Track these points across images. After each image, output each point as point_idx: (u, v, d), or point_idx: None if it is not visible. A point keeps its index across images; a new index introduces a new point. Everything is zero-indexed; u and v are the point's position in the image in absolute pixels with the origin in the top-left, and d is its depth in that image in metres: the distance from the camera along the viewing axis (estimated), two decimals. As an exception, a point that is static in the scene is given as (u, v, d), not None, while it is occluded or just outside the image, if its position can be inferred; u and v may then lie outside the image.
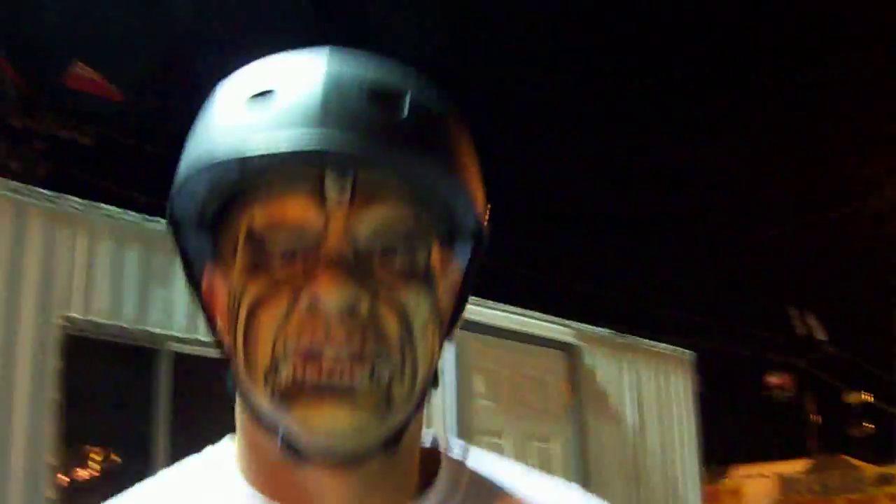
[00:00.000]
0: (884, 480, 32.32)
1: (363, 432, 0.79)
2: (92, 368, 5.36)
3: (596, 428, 7.83)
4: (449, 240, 0.89)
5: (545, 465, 7.30)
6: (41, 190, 5.37)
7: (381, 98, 0.80)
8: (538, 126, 39.54)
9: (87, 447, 6.05)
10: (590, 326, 8.04)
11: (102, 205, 5.52)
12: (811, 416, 36.36)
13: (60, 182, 10.64)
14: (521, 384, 7.27)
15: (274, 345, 0.79)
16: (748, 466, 33.75)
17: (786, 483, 33.13)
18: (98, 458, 6.25)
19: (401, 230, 0.82)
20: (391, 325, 0.80)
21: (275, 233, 0.80)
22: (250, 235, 0.81)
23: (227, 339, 0.87)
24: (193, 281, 0.91)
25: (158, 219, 5.59)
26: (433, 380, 0.86)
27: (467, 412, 6.76)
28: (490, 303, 7.26)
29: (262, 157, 0.77)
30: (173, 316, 5.47)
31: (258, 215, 0.81)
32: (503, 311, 7.36)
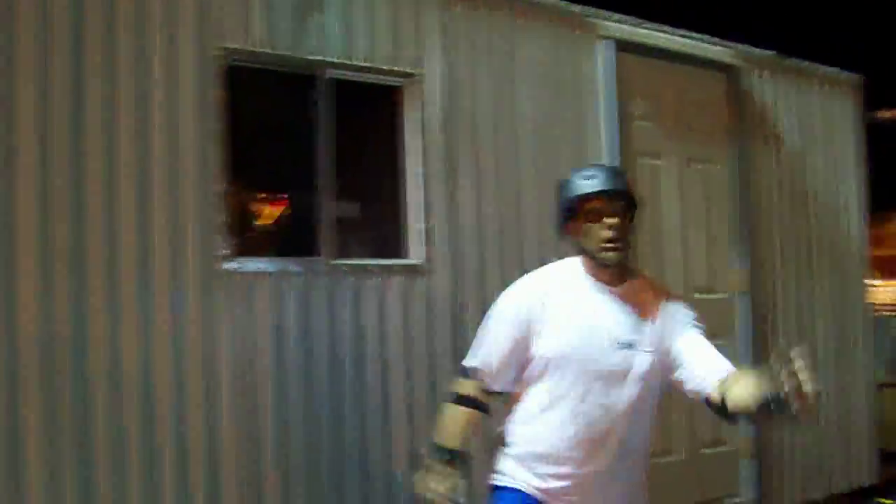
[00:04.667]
0: None
1: (620, 257, 3.32)
2: (253, 98, 5.41)
3: (758, 151, 7.65)
4: (632, 206, 3.40)
5: (707, 187, 7.22)
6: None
7: (618, 174, 3.44)
8: None
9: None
10: (753, 48, 7.72)
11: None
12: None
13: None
14: (681, 106, 7.06)
15: (599, 235, 3.29)
16: (913, 211, 32.95)
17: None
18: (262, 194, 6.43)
19: (625, 206, 3.35)
20: (625, 232, 3.33)
21: (595, 210, 3.30)
22: (588, 211, 3.31)
23: (579, 238, 3.37)
24: (564, 225, 3.43)
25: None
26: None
27: (626, 134, 6.66)
28: (649, 23, 7.01)
29: (590, 193, 3.31)
30: (329, 42, 5.44)
31: (590, 206, 3.31)
32: (663, 31, 7.10)
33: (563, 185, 3.42)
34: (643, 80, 6.83)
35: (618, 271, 3.36)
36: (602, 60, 6.58)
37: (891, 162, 10.27)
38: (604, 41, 6.59)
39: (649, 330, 3.34)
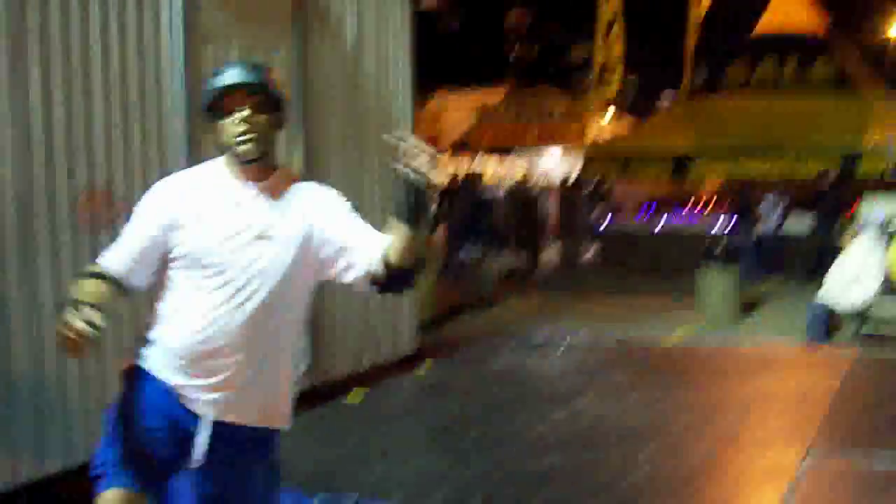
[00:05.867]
0: (570, 112, 34.47)
1: (256, 151, 3.25)
2: None
3: (317, 40, 8.10)
4: (274, 102, 3.31)
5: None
6: None
7: (255, 68, 3.30)
8: None
9: None
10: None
11: None
12: (514, 45, 37.70)
13: None
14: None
15: (233, 130, 3.23)
16: (450, 94, 35.06)
17: (484, 111, 34.79)
18: None
19: (264, 101, 3.25)
20: (264, 127, 3.28)
21: (231, 105, 3.22)
22: (225, 106, 3.23)
23: (220, 135, 3.26)
24: (211, 125, 3.30)
25: None
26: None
27: (196, 19, 6.77)
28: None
29: (224, 87, 3.23)
30: None
31: (227, 101, 3.22)
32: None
33: (205, 84, 3.33)
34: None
35: (261, 166, 3.29)
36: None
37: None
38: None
39: (290, 219, 3.30)
